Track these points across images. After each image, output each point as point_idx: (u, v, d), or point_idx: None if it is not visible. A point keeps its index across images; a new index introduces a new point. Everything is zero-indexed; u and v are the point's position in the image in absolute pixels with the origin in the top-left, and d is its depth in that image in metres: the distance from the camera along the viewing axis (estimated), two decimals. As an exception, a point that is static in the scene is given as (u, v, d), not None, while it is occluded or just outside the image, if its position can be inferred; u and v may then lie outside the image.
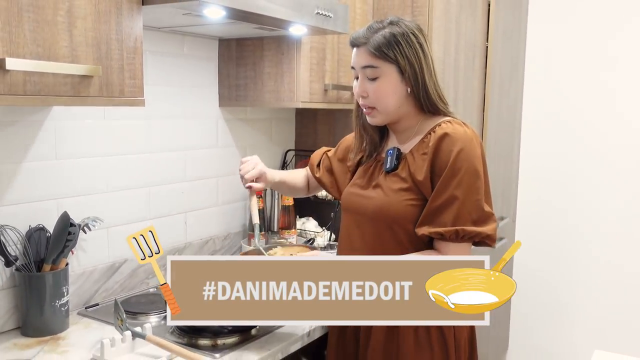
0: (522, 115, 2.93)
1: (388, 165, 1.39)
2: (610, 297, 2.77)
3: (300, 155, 2.39)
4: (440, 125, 1.36)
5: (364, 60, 1.35)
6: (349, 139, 1.61)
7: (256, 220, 1.57)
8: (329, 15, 1.65)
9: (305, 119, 2.40)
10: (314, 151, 2.36)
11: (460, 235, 1.27)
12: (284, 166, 2.36)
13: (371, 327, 1.40)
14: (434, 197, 1.30)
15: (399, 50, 1.32)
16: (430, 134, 1.36)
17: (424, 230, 1.30)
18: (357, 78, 1.40)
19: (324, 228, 2.21)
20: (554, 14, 2.79)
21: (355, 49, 1.38)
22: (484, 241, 1.30)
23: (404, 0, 2.09)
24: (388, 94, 1.35)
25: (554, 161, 2.85)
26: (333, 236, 2.20)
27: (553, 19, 2.80)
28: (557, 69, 2.81)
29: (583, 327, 2.85)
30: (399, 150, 1.40)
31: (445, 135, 1.31)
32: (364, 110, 1.41)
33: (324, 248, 2.16)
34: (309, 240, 2.14)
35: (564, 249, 2.87)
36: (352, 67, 1.40)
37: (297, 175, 1.75)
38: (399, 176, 1.37)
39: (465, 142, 1.30)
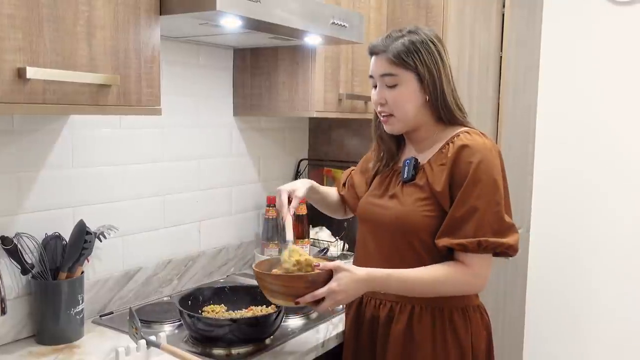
0: (536, 124, 2.91)
1: (405, 176, 1.38)
2: (628, 308, 2.73)
3: (314, 165, 2.39)
4: (458, 135, 1.34)
5: (383, 68, 1.34)
6: (370, 153, 1.60)
7: (290, 237, 1.45)
8: (344, 25, 1.65)
9: (319, 128, 2.40)
10: (327, 161, 2.38)
11: (482, 246, 1.26)
12: (297, 176, 2.36)
13: (388, 335, 1.38)
14: (455, 209, 1.28)
15: (418, 57, 1.31)
16: (448, 144, 1.34)
17: (444, 242, 1.29)
18: (376, 86, 1.39)
19: (337, 238, 2.20)
20: (568, 23, 2.78)
21: (373, 57, 1.38)
22: (505, 252, 1.29)
23: (419, 10, 2.09)
24: (406, 101, 1.34)
25: (569, 170, 2.83)
26: (347, 246, 2.19)
27: (567, 27, 2.78)
28: (572, 78, 2.79)
29: (599, 338, 2.81)
30: (416, 160, 1.39)
31: (464, 146, 1.30)
32: (382, 118, 1.40)
33: (337, 257, 2.15)
34: (323, 250, 2.13)
35: (580, 259, 2.83)
36: (371, 76, 1.39)
37: (334, 192, 1.69)
38: (416, 186, 1.36)
39: (484, 153, 1.29)
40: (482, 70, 2.32)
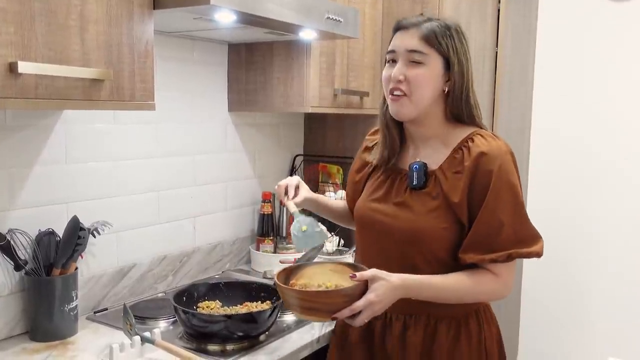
0: (531, 119, 2.91)
1: (415, 182, 1.29)
2: (624, 302, 2.73)
3: (309, 161, 2.38)
4: (472, 139, 1.28)
5: (413, 44, 1.25)
6: (358, 155, 1.54)
7: (293, 208, 1.45)
8: (339, 20, 1.64)
9: (314, 123, 2.40)
10: (323, 156, 2.37)
11: (512, 257, 1.23)
12: (292, 171, 2.36)
13: (405, 349, 1.33)
14: (480, 223, 1.23)
15: (452, 43, 1.26)
16: (461, 149, 1.28)
17: (473, 258, 1.24)
18: (392, 62, 1.29)
19: (332, 233, 2.19)
20: (563, 18, 2.77)
21: (401, 31, 1.29)
22: (529, 257, 1.26)
23: (414, 5, 2.08)
24: (427, 84, 1.25)
25: (564, 166, 2.83)
26: (342, 242, 2.19)
27: (563, 23, 2.78)
28: (567, 74, 2.79)
29: (595, 333, 2.82)
30: (425, 165, 1.30)
31: (482, 154, 1.24)
32: (391, 97, 1.29)
33: (332, 253, 2.15)
34: (318, 245, 2.12)
35: (576, 254, 2.84)
36: (392, 51, 1.29)
37: (343, 204, 1.62)
38: (428, 195, 1.28)
39: (502, 159, 1.24)
40: (478, 65, 2.32)
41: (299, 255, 1.93)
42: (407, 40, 1.26)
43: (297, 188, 1.48)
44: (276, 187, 1.49)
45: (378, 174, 1.42)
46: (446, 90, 1.28)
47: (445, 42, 1.25)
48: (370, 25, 2.07)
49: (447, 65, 1.27)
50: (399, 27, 1.30)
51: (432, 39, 1.25)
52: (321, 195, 1.61)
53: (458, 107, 1.30)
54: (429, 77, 1.26)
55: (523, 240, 1.24)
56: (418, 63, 1.25)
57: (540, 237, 1.28)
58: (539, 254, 1.26)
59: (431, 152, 1.33)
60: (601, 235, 2.76)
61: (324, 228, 1.39)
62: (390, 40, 1.32)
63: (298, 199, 1.46)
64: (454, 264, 1.27)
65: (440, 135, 1.33)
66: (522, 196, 1.27)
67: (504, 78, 2.51)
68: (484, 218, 1.23)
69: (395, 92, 1.28)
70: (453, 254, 1.28)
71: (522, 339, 3.03)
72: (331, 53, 1.92)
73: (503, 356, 1.41)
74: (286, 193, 1.46)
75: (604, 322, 2.79)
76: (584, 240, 2.81)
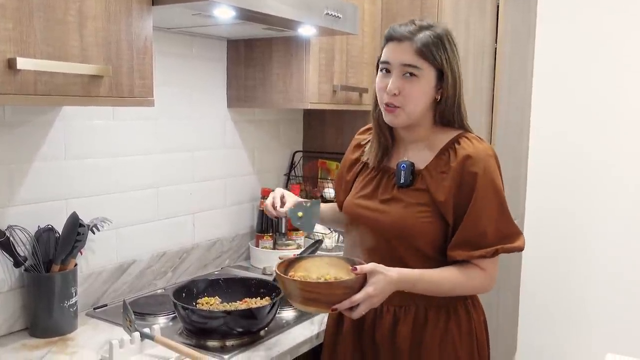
0: (530, 116, 2.92)
1: (402, 180, 1.33)
2: (622, 298, 2.74)
3: (308, 157, 2.38)
4: (458, 142, 1.32)
5: (407, 58, 1.27)
6: (348, 153, 1.55)
7: (285, 208, 1.46)
8: (338, 16, 1.64)
9: (314, 120, 2.40)
10: (322, 152, 2.37)
11: (498, 253, 1.29)
12: (291, 168, 2.36)
13: (395, 338, 1.35)
14: (468, 223, 1.27)
15: (446, 55, 1.28)
16: (448, 150, 1.32)
17: (461, 255, 1.28)
18: (384, 71, 1.32)
19: (331, 230, 2.20)
20: (562, 14, 2.78)
21: (395, 42, 1.29)
22: (513, 252, 1.32)
23: (413, 1, 2.08)
24: (421, 96, 1.29)
25: (563, 162, 2.83)
26: (341, 238, 2.19)
27: (562, 19, 2.78)
28: (566, 70, 2.80)
29: (594, 329, 2.83)
30: (413, 164, 1.34)
31: (468, 157, 1.28)
32: (386, 107, 1.32)
33: (332, 250, 2.15)
34: (317, 242, 2.13)
35: (574, 250, 2.85)
36: (386, 62, 1.31)
37: (330, 205, 1.63)
38: (415, 192, 1.32)
39: (486, 161, 1.29)
40: (477, 62, 2.32)
41: (298, 252, 1.94)
42: (402, 55, 1.28)
43: (282, 197, 1.49)
44: (262, 208, 1.50)
45: (367, 172, 1.45)
46: (438, 98, 1.32)
47: (439, 55, 1.28)
48: (369, 22, 2.07)
49: (440, 75, 1.30)
50: (391, 38, 1.31)
51: (426, 53, 1.27)
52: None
53: (449, 114, 1.34)
54: (423, 90, 1.30)
55: (507, 237, 1.30)
56: (412, 75, 1.28)
57: (521, 233, 1.34)
58: (521, 248, 1.32)
59: (419, 153, 1.37)
60: (600, 232, 2.77)
61: (312, 200, 1.46)
62: (382, 48, 1.34)
63: (287, 205, 1.47)
64: (439, 258, 1.32)
65: (428, 138, 1.37)
66: (504, 196, 1.32)
67: (503, 75, 2.51)
68: (471, 218, 1.28)
69: (390, 104, 1.31)
70: (437, 249, 1.32)
71: (521, 334, 3.04)
72: (330, 49, 1.92)
73: (488, 341, 1.45)
74: (274, 207, 1.48)
75: (603, 318, 2.80)
76: (582, 237, 2.82)
